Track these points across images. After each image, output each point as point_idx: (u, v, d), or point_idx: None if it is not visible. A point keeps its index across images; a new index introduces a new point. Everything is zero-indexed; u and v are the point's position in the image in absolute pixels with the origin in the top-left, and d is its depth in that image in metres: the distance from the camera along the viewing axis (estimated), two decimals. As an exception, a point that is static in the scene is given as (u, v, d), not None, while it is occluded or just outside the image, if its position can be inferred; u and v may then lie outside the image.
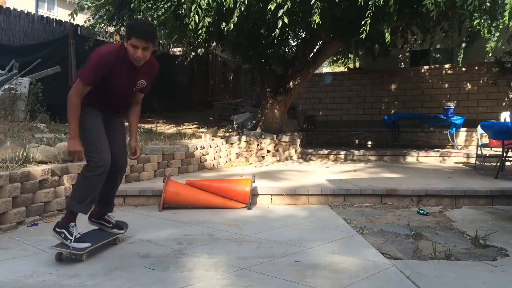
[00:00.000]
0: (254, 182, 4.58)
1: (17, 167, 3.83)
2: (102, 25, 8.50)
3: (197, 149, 6.48)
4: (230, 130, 9.54)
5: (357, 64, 14.24)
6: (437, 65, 12.02)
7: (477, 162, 6.93)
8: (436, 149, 8.96)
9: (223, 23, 5.89)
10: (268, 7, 4.98)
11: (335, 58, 12.49)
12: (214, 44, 8.53)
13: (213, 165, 6.94)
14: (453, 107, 9.20)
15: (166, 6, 6.19)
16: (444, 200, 4.68)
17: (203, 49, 7.51)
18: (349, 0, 6.41)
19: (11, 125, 5.78)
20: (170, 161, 5.89)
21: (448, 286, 2.38)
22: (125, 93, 3.02)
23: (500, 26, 4.85)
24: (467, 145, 9.63)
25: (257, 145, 7.84)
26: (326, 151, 8.67)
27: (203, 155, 6.65)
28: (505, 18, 4.58)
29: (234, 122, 10.04)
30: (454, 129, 9.12)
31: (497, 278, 2.51)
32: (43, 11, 15.21)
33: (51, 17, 10.75)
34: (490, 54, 6.07)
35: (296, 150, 8.45)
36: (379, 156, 8.29)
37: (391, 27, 5.75)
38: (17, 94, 7.22)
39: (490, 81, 10.69)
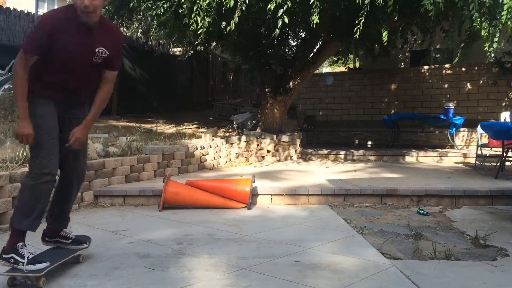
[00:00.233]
0: (254, 182, 4.58)
1: (17, 167, 3.83)
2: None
3: (197, 149, 6.48)
4: (230, 130, 9.54)
5: (357, 64, 14.24)
6: (437, 65, 12.03)
7: (477, 162, 6.93)
8: (436, 149, 8.96)
9: (223, 23, 5.89)
10: (268, 7, 4.98)
11: (335, 58, 12.49)
12: (214, 44, 8.53)
13: (213, 165, 6.94)
14: (453, 107, 9.20)
15: (166, 6, 6.19)
16: (444, 200, 4.68)
17: (202, 47, 7.50)
18: (348, 0, 6.41)
19: (11, 125, 5.77)
20: (170, 161, 5.89)
21: (448, 286, 2.38)
22: (83, 64, 2.48)
23: (500, 26, 4.85)
24: (467, 145, 9.63)
25: (257, 145, 7.84)
26: (326, 151, 8.66)
27: (203, 155, 6.65)
28: (503, 18, 4.59)
29: (234, 122, 10.04)
30: (454, 129, 9.12)
31: (497, 278, 2.51)
32: (43, 11, 15.20)
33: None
34: (492, 55, 6.07)
35: (296, 150, 8.45)
36: (379, 156, 8.29)
37: (391, 27, 5.75)
38: (17, 94, 7.21)
39: (490, 81, 10.69)
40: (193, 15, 5.47)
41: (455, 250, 3.02)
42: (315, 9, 4.95)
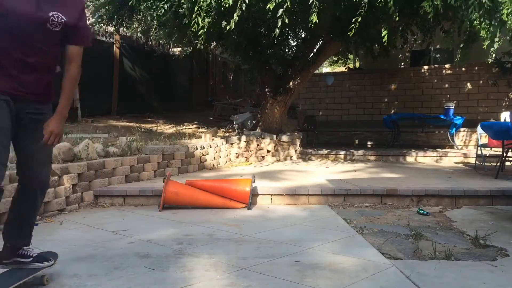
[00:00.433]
0: (254, 182, 4.58)
1: (17, 167, 3.83)
2: (102, 24, 8.50)
3: (197, 149, 6.48)
4: (230, 130, 9.54)
5: (357, 64, 14.24)
6: (437, 65, 12.02)
7: (477, 162, 6.93)
8: (436, 149, 8.95)
9: (224, 22, 5.89)
10: (267, 7, 4.98)
11: (335, 58, 12.49)
12: (214, 44, 8.54)
13: (213, 165, 6.94)
14: (453, 107, 9.20)
15: (166, 6, 6.19)
16: (444, 200, 4.68)
17: (202, 47, 7.51)
18: (348, 0, 6.41)
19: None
20: (170, 161, 5.89)
21: (448, 286, 2.38)
22: (31, 31, 2.03)
23: (498, 29, 4.87)
24: (467, 145, 9.63)
25: (257, 145, 7.84)
26: (326, 151, 8.66)
27: (203, 155, 6.65)
28: (503, 16, 4.59)
29: (234, 122, 10.04)
30: (454, 129, 9.12)
31: (497, 278, 2.51)
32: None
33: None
34: (493, 55, 6.05)
35: (296, 150, 8.45)
36: (379, 156, 8.28)
37: (391, 27, 5.76)
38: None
39: (490, 81, 10.69)
40: (193, 15, 5.48)
41: (455, 250, 3.02)
42: (314, 9, 4.96)
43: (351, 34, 5.21)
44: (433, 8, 4.90)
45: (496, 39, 4.99)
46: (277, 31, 5.12)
